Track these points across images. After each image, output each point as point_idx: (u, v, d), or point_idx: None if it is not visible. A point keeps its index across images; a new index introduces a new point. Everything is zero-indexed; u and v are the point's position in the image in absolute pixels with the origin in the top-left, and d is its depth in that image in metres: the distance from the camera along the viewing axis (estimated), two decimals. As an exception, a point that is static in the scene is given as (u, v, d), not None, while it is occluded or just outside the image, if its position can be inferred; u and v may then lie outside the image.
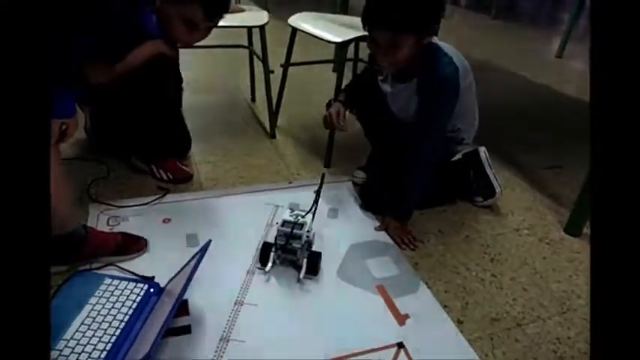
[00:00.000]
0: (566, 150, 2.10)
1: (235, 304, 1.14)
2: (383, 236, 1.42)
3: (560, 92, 2.88)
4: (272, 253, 1.24)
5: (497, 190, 1.58)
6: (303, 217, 1.26)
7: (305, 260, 1.23)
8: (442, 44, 1.35)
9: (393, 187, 1.43)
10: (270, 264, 1.24)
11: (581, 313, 1.20)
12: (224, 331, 1.07)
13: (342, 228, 1.45)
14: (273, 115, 2.01)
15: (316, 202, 1.32)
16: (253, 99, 2.37)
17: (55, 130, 0.96)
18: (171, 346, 1.02)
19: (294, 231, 1.21)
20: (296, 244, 1.21)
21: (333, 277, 1.25)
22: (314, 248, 1.29)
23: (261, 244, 1.29)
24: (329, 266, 1.28)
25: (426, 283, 1.25)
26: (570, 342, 1.11)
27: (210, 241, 1.09)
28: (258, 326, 1.09)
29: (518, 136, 2.23)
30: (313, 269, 1.23)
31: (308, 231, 1.24)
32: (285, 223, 1.24)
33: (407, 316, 1.14)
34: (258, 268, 1.25)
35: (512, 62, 3.30)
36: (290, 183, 1.68)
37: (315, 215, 1.30)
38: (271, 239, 1.27)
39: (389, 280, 1.25)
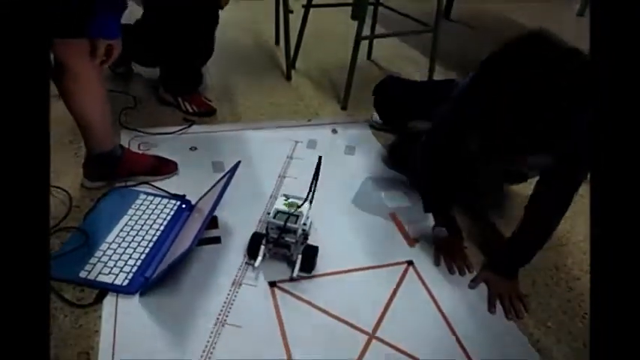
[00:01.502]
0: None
1: (260, 222, 1.24)
2: (396, 172, 1.50)
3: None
4: (262, 246, 1.09)
5: None
6: (299, 206, 1.09)
7: (300, 256, 1.08)
8: None
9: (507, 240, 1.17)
10: (260, 258, 1.08)
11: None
12: (250, 243, 1.17)
13: (358, 163, 1.53)
14: (291, 56, 2.06)
15: (312, 190, 1.09)
16: (277, 42, 2.41)
17: (101, 50, 1.03)
18: (205, 252, 1.13)
19: (288, 224, 1.05)
20: (290, 239, 1.07)
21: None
22: (310, 242, 1.13)
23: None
24: (344, 194, 1.37)
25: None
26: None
27: (239, 162, 1.17)
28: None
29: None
30: (309, 266, 1.09)
31: (304, 223, 1.08)
32: (278, 213, 1.07)
33: (417, 240, 1.24)
34: (246, 263, 1.11)
35: (532, 19, 3.27)
36: (309, 121, 1.75)
37: (333, 153, 1.31)
38: (290, 176, 1.17)
39: (401, 210, 1.34)
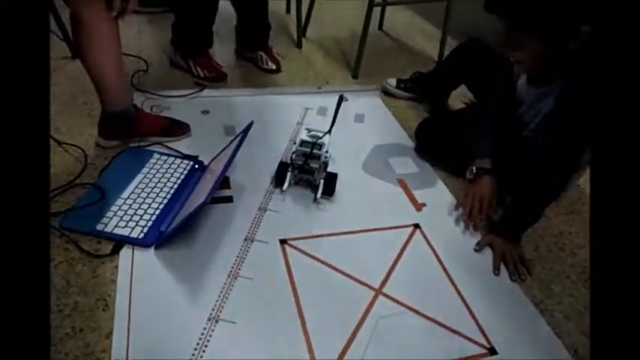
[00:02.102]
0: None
1: (270, 184, 1.27)
2: (406, 139, 1.51)
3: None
4: (289, 173, 1.23)
5: None
6: (320, 137, 1.21)
7: (322, 181, 1.22)
8: None
9: (507, 205, 1.21)
10: (286, 184, 1.23)
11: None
12: (261, 203, 1.20)
13: (367, 131, 1.55)
14: (302, 24, 2.05)
15: (333, 124, 1.25)
16: (288, 10, 2.39)
17: (117, 3, 1.03)
18: (217, 210, 1.16)
19: (314, 151, 1.19)
20: (314, 164, 1.20)
21: (359, 172, 1.37)
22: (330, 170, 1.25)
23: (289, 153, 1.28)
24: (353, 160, 1.39)
25: (443, 181, 1.36)
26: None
27: (252, 122, 1.19)
28: (292, 201, 1.22)
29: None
30: (330, 190, 1.22)
31: (326, 151, 1.22)
32: (303, 143, 1.21)
33: (424, 205, 1.26)
34: (275, 187, 1.25)
35: None
36: (319, 88, 1.76)
37: (343, 120, 1.35)
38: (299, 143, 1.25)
39: (409, 176, 1.36)
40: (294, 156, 1.22)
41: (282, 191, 1.23)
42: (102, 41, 1.12)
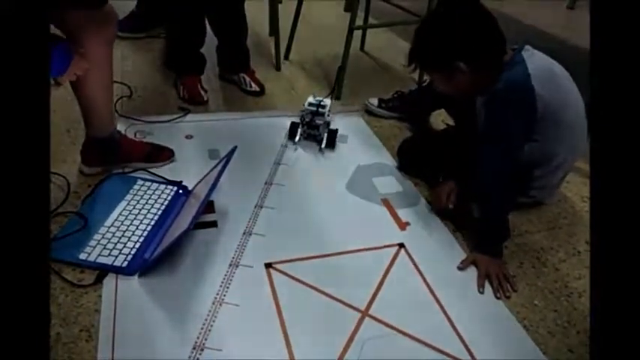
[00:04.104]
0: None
1: (255, 207, 1.27)
2: (389, 159, 1.53)
3: (571, 43, 2.92)
4: (299, 129, 1.54)
5: None
6: (322, 100, 1.54)
7: (325, 135, 1.52)
8: (530, 54, 1.16)
9: (478, 219, 1.22)
10: (297, 137, 1.54)
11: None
12: (246, 227, 1.20)
13: (350, 151, 1.56)
14: (280, 46, 2.08)
15: (334, 86, 1.71)
16: (271, 33, 2.42)
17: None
18: (202, 235, 1.16)
19: (319, 109, 1.50)
20: (319, 120, 1.51)
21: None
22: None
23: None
24: (337, 180, 1.41)
25: (426, 199, 1.38)
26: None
27: (235, 147, 1.20)
28: (277, 223, 1.23)
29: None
30: (331, 142, 1.52)
31: (329, 110, 1.53)
32: (310, 104, 1.52)
33: (408, 223, 1.27)
34: (288, 140, 1.56)
35: (522, 12, 3.31)
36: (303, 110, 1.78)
37: (324, 142, 1.52)
38: (285, 163, 1.44)
39: (393, 195, 1.37)
40: (302, 114, 1.54)
41: (294, 143, 1.54)
42: (96, 66, 1.13)
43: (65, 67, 1.01)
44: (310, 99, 1.54)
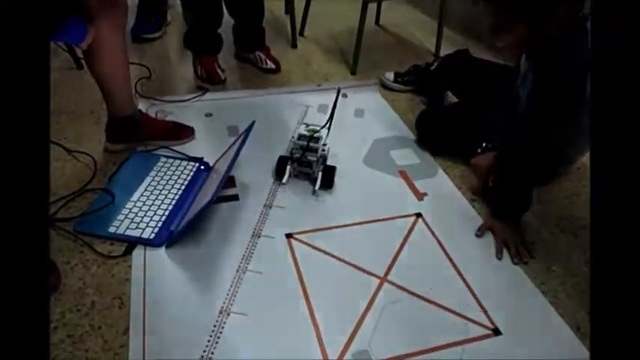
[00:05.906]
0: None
1: (274, 182, 1.30)
2: (406, 132, 1.54)
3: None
4: (288, 166, 1.26)
5: None
6: (317, 131, 1.26)
7: (320, 173, 1.25)
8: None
9: (502, 186, 1.20)
10: (286, 176, 1.26)
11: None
12: (266, 199, 1.23)
13: (367, 125, 1.57)
14: (296, 23, 2.08)
15: (331, 117, 1.27)
16: (286, 11, 2.42)
17: None
18: (224, 209, 1.19)
19: (310, 144, 1.22)
20: (311, 157, 1.24)
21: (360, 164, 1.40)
22: (329, 163, 1.30)
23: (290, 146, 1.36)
24: (355, 154, 1.42)
25: (444, 170, 1.39)
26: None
27: (254, 121, 1.22)
28: (297, 194, 1.26)
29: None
30: (328, 182, 1.25)
31: (324, 144, 1.26)
32: (300, 136, 1.25)
33: (425, 194, 1.29)
34: (275, 180, 1.29)
35: None
36: (319, 86, 1.79)
37: (343, 116, 1.39)
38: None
39: (410, 167, 1.39)
40: (292, 149, 1.27)
41: (282, 184, 1.27)
42: (113, 51, 1.18)
43: (82, 36, 1.07)
44: (302, 129, 1.27)
